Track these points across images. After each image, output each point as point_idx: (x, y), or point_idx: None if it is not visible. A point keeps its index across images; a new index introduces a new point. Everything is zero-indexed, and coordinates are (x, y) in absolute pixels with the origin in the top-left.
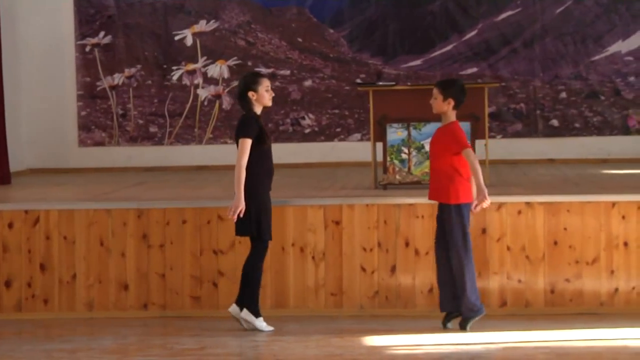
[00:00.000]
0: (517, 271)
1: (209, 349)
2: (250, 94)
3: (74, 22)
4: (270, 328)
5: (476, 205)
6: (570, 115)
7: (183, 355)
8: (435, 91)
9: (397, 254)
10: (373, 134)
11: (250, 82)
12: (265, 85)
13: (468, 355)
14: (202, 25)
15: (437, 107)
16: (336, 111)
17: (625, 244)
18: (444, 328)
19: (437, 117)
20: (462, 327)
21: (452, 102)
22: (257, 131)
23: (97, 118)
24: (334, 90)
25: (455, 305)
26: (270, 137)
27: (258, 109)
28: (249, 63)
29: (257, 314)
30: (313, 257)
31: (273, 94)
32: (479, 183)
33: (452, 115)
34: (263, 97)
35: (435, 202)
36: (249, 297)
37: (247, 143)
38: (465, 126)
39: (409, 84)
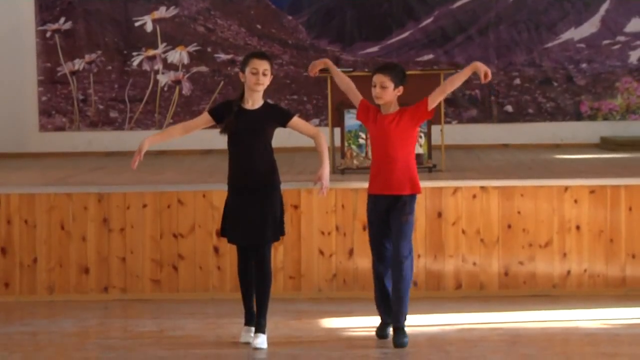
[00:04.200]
0: (471, 254)
1: (168, 332)
2: (240, 74)
3: (34, 8)
4: (243, 339)
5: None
6: (524, 101)
7: (143, 337)
8: (384, 79)
9: (354, 237)
10: (331, 119)
11: (242, 62)
12: (251, 67)
13: (424, 336)
14: (162, 12)
15: (388, 96)
16: (295, 97)
17: (578, 227)
18: (386, 338)
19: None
20: (403, 344)
21: (401, 90)
22: (221, 114)
23: (58, 103)
24: (293, 77)
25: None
26: (236, 126)
27: (249, 93)
28: (209, 49)
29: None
30: None
31: (262, 77)
32: (467, 70)
33: (396, 102)
34: (248, 79)
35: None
36: None
37: (202, 114)
38: None
39: (366, 70)
